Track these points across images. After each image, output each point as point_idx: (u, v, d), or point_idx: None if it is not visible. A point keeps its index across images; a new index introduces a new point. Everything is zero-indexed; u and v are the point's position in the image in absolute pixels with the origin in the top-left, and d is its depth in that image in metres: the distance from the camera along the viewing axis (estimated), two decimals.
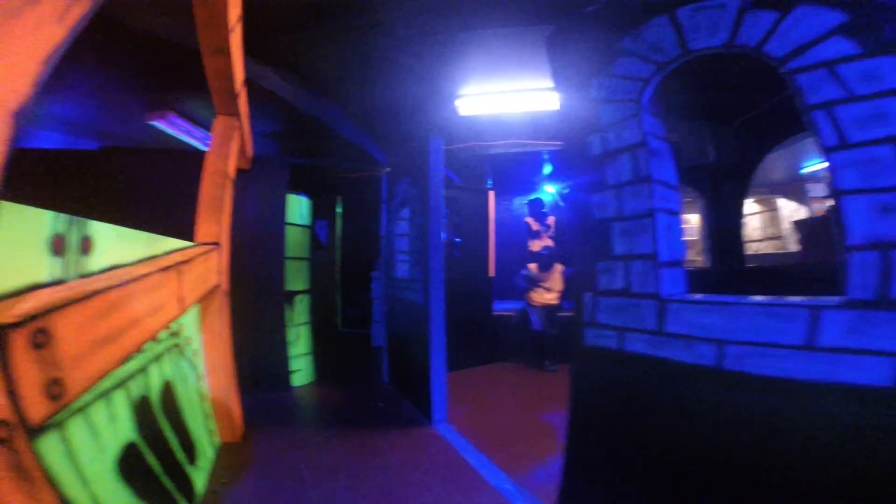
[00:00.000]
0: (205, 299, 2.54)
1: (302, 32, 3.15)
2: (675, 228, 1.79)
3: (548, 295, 5.45)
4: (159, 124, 4.18)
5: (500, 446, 3.10)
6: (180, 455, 1.99)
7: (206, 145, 4.79)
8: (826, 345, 1.26)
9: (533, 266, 5.58)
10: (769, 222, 9.13)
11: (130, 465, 1.43)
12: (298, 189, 4.61)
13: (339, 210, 7.96)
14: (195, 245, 2.30)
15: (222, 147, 2.69)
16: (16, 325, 0.71)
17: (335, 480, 2.51)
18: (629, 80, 1.82)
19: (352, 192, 7.75)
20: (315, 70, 3.72)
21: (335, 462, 2.75)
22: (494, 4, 2.92)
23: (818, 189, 8.16)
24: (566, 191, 7.68)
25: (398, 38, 3.26)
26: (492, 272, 5.89)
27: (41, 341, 0.78)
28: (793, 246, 7.83)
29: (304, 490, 2.40)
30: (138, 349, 1.28)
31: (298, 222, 4.58)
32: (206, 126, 4.46)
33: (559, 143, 5.48)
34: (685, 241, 1.87)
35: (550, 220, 6.72)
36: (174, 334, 2.15)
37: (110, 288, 1.10)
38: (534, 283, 5.50)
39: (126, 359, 1.19)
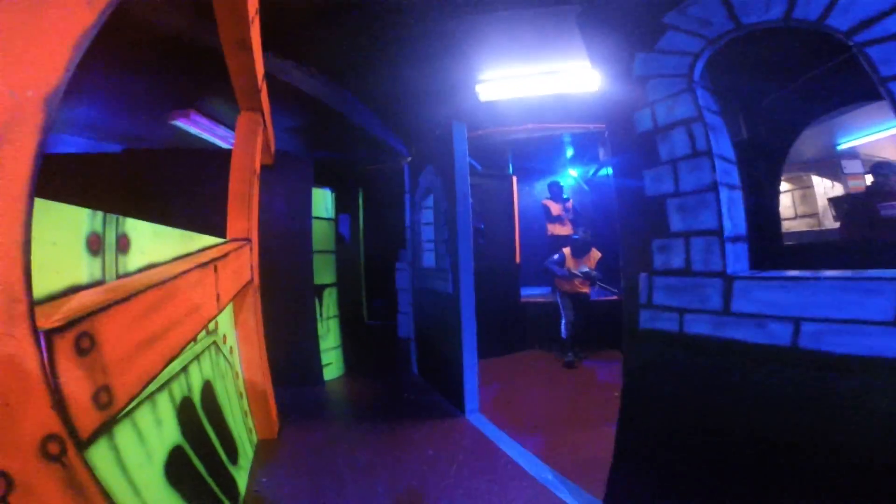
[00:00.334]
0: (238, 296, 2.52)
1: (319, 23, 3.07)
2: (738, 203, 1.70)
3: (579, 283, 4.96)
4: (182, 124, 4.17)
5: (535, 435, 3.03)
6: (223, 455, 1.97)
7: (229, 143, 4.82)
8: None
9: (566, 251, 5.04)
10: (801, 200, 8.78)
11: (177, 469, 1.40)
12: (322, 182, 4.58)
13: (361, 202, 7.94)
14: (228, 241, 2.27)
15: (247, 143, 2.65)
16: (59, 330, 0.66)
17: (373, 476, 2.49)
18: (677, 55, 1.77)
19: (373, 184, 7.71)
20: (334, 62, 3.65)
21: (371, 457, 2.73)
22: None
23: (854, 165, 7.78)
24: (591, 173, 7.47)
25: (417, 23, 3.15)
26: (518, 259, 5.77)
27: (86, 346, 0.73)
28: (829, 223, 7.51)
29: (343, 487, 2.38)
30: (183, 348, 1.24)
31: (324, 216, 4.55)
32: (228, 124, 4.45)
33: (584, 124, 5.31)
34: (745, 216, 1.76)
35: (569, 203, 6.58)
36: (211, 332, 2.13)
37: (151, 287, 1.04)
38: (564, 270, 4.97)
39: (170, 360, 1.14)
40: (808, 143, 6.99)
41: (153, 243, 1.31)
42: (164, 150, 3.79)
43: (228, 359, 2.46)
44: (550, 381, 4.39)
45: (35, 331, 0.60)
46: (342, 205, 6.73)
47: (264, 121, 2.83)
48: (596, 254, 5.07)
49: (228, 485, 1.94)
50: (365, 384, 4.39)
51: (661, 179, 1.79)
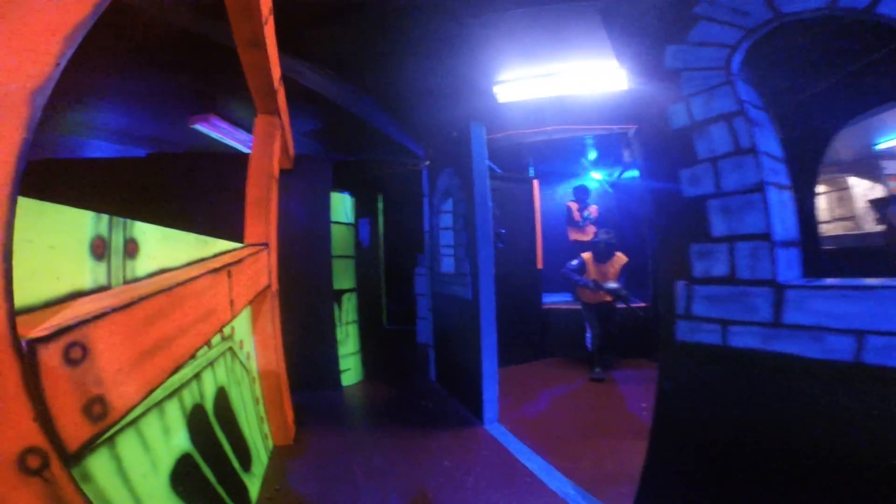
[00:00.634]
0: (256, 301, 2.50)
1: (335, 23, 3.07)
2: (788, 204, 1.56)
3: (603, 293, 4.42)
4: (202, 128, 4.25)
5: (556, 447, 2.92)
6: (235, 462, 1.94)
7: (249, 147, 4.88)
8: None
9: (587, 256, 4.54)
10: (838, 202, 8.37)
11: (184, 478, 1.37)
12: (341, 187, 4.58)
13: (380, 206, 7.95)
14: (245, 246, 2.26)
15: (265, 146, 2.65)
16: (44, 340, 0.62)
17: (388, 485, 2.43)
18: (712, 47, 1.67)
19: (392, 187, 7.71)
20: (350, 63, 3.64)
21: (387, 466, 2.67)
22: None
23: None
24: (616, 176, 7.28)
25: (432, 23, 3.11)
26: (540, 264, 5.64)
27: (76, 357, 0.69)
28: (869, 226, 7.11)
29: (357, 496, 2.33)
30: (190, 357, 1.20)
31: (343, 220, 4.55)
32: (247, 128, 4.50)
33: (608, 125, 5.17)
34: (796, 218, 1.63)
35: (593, 208, 6.32)
36: (227, 338, 2.11)
37: (158, 293, 1.01)
38: (585, 279, 4.47)
39: (177, 368, 1.11)
40: (844, 143, 6.66)
41: (164, 248, 1.28)
42: (186, 154, 3.85)
43: (245, 364, 2.44)
44: (573, 390, 4.25)
45: (15, 340, 0.56)
46: (362, 209, 6.75)
47: (282, 124, 2.83)
48: (621, 258, 4.52)
49: (240, 492, 1.91)
50: (383, 390, 4.35)
51: (700, 179, 1.68)
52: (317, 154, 5.47)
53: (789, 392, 1.38)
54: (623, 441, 3.02)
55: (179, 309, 1.13)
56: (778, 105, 3.28)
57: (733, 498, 1.54)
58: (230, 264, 1.61)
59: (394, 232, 7.93)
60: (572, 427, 3.32)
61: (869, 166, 7.74)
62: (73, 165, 3.59)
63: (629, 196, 6.95)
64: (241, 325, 2.44)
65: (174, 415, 1.39)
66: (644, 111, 1.92)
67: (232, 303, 1.63)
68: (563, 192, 7.43)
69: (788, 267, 1.48)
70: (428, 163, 4.85)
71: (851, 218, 8.07)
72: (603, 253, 4.45)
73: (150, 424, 1.23)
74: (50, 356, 0.63)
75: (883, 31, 1.65)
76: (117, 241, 1.02)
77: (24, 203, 0.74)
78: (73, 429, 0.67)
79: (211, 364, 1.84)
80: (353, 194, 4.87)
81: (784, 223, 1.51)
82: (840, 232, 8.03)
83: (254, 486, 2.16)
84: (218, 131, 4.37)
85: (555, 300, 5.99)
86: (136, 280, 1.10)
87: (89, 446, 0.72)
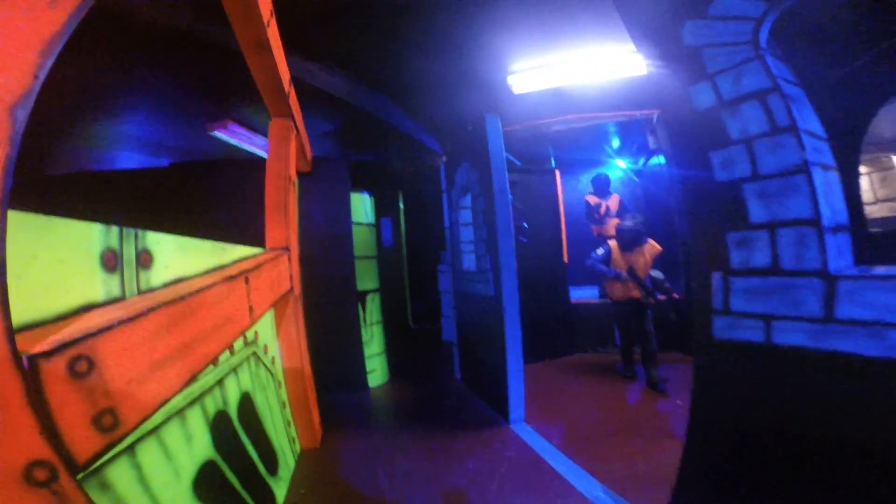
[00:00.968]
0: (278, 305, 2.53)
1: (343, 22, 3.05)
2: (835, 185, 1.43)
3: (633, 285, 3.92)
4: (221, 134, 4.34)
5: (584, 447, 2.84)
6: (260, 467, 1.96)
7: (266, 152, 4.97)
8: None
9: (612, 244, 4.06)
10: (881, 183, 7.87)
11: (208, 484, 1.38)
12: (360, 187, 4.59)
13: (401, 206, 7.96)
14: (264, 251, 2.28)
15: (280, 150, 2.67)
16: (47, 355, 0.61)
17: (412, 489, 2.42)
18: (735, 21, 1.57)
19: (412, 185, 7.70)
20: (361, 61, 3.64)
21: (411, 468, 2.66)
22: None
23: None
24: (641, 163, 7.06)
25: (441, 15, 3.06)
26: (565, 257, 5.52)
27: (82, 370, 0.68)
28: None
29: (382, 499, 2.32)
30: (207, 365, 1.20)
31: (364, 221, 4.56)
32: (264, 132, 4.57)
33: (629, 112, 5.01)
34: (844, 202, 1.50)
35: (613, 199, 5.88)
36: (250, 343, 2.14)
37: (169, 303, 1.01)
38: (609, 269, 3.98)
39: (194, 377, 1.11)
40: (887, 121, 6.22)
41: (179, 257, 1.29)
42: (207, 162, 3.93)
43: (270, 369, 2.47)
44: (602, 387, 4.13)
45: (16, 356, 0.56)
46: (383, 209, 6.77)
47: (296, 126, 2.84)
48: (653, 247, 3.96)
49: (266, 496, 1.93)
50: (408, 390, 4.35)
51: (734, 162, 1.56)
52: (334, 155, 5.51)
53: (843, 393, 1.26)
54: (656, 441, 2.91)
55: (194, 318, 1.13)
56: (812, 82, 3.09)
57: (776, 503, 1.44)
58: (247, 271, 1.61)
59: (416, 230, 7.92)
60: (601, 426, 3.23)
61: None
62: (104, 177, 3.73)
63: (656, 184, 6.72)
64: (265, 330, 2.47)
65: (196, 422, 1.41)
66: (666, 93, 1.80)
67: (251, 309, 1.64)
68: (587, 182, 7.26)
69: (839, 255, 1.35)
70: (445, 158, 4.81)
71: None
72: (630, 240, 3.94)
73: (172, 432, 1.24)
74: (54, 370, 0.62)
75: None
76: (129, 253, 1.03)
77: (30, 219, 0.75)
78: (82, 441, 0.67)
79: (234, 370, 1.86)
80: (372, 194, 4.88)
81: (832, 206, 1.39)
82: (887, 213, 7.55)
83: (280, 489, 2.18)
84: (237, 137, 4.46)
85: (582, 295, 5.86)
86: (151, 290, 1.11)
87: (100, 457, 0.72)
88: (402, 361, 5.17)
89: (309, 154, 3.48)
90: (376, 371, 4.49)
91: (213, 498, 1.40)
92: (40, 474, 0.58)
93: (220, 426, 1.62)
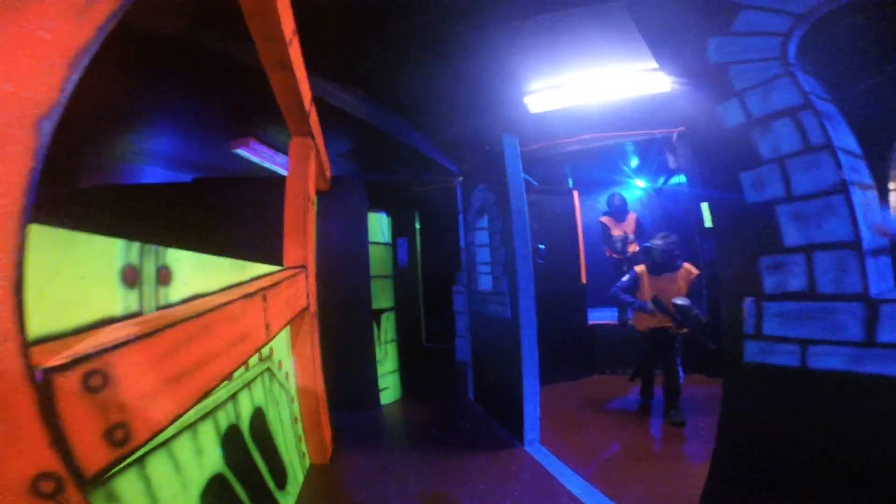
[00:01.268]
0: (294, 322, 2.54)
1: (362, 43, 3.14)
2: (874, 206, 1.39)
3: (660, 316, 3.42)
4: (243, 152, 4.46)
5: (602, 470, 2.77)
6: (270, 482, 1.95)
7: (287, 170, 5.09)
8: None
9: (640, 269, 3.61)
10: None
11: (216, 498, 1.37)
12: (377, 207, 4.65)
13: (417, 226, 8.01)
14: (282, 269, 2.31)
15: (300, 168, 2.73)
16: (61, 369, 0.63)
17: None
18: (761, 36, 1.56)
19: (428, 206, 7.75)
20: (379, 82, 3.72)
21: (422, 489, 2.61)
22: None
23: None
24: (661, 183, 6.98)
25: (459, 37, 3.12)
26: (584, 279, 5.44)
27: (97, 384, 0.69)
28: None
29: None
30: (221, 381, 1.21)
31: (380, 240, 4.61)
32: (285, 150, 4.69)
33: (648, 131, 4.98)
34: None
35: (630, 220, 5.63)
36: (265, 358, 2.15)
37: (186, 319, 1.02)
38: (638, 298, 3.52)
39: (208, 392, 1.12)
40: None
41: (198, 274, 1.32)
42: (230, 179, 4.04)
43: (284, 384, 2.48)
44: (620, 409, 4.01)
45: (29, 369, 0.57)
46: (399, 229, 6.82)
47: (316, 145, 2.90)
48: (689, 271, 3.47)
49: None
50: (421, 409, 4.30)
51: (766, 182, 1.53)
52: (352, 175, 5.61)
53: (885, 416, 1.20)
54: (677, 464, 2.83)
55: (210, 334, 1.14)
56: (842, 92, 3.03)
57: None
58: (265, 288, 1.63)
59: (431, 250, 7.93)
60: (620, 449, 3.14)
61: None
62: (125, 191, 3.87)
63: (676, 203, 6.62)
64: (280, 346, 2.49)
65: (208, 436, 1.41)
66: (691, 111, 1.79)
67: (267, 326, 1.65)
68: (605, 203, 7.19)
69: (880, 278, 1.31)
70: (462, 179, 4.85)
71: None
72: (661, 263, 3.45)
73: (183, 445, 1.25)
74: (68, 384, 0.63)
75: None
76: (149, 269, 1.05)
77: (54, 233, 0.77)
78: (92, 454, 0.68)
79: (248, 385, 1.87)
80: (389, 214, 4.93)
81: (871, 228, 1.35)
82: None
83: (287, 503, 2.15)
84: (258, 155, 4.58)
85: (601, 316, 5.74)
86: (170, 306, 1.13)
87: (109, 470, 0.72)
88: (415, 380, 5.13)
89: (328, 172, 3.55)
90: (389, 389, 4.46)
91: None
92: (46, 486, 0.59)
93: (231, 440, 1.62)
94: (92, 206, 3.45)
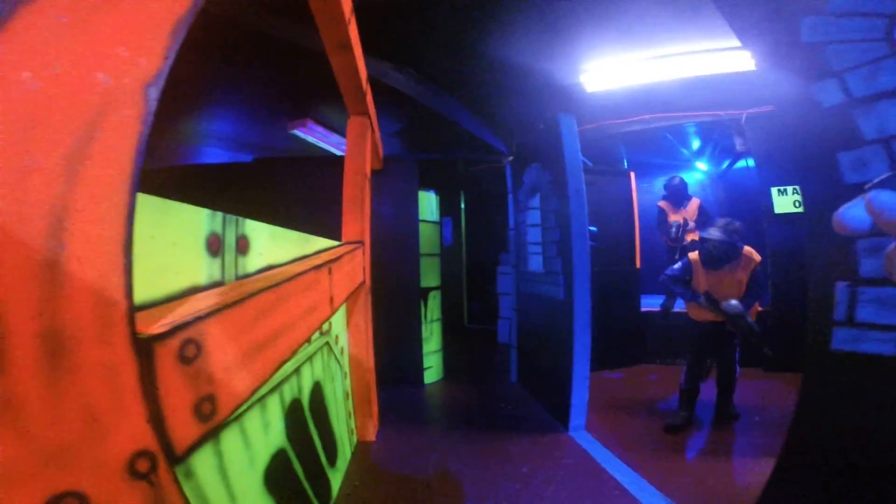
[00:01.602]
0: (351, 297, 2.56)
1: (412, 19, 3.04)
2: None
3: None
4: (300, 132, 4.51)
5: (649, 460, 2.69)
6: (322, 457, 1.98)
7: (341, 150, 5.12)
8: None
9: (694, 257, 3.19)
10: None
11: (277, 474, 1.39)
12: (425, 186, 4.60)
13: (462, 205, 7.94)
14: (343, 244, 2.31)
15: (358, 146, 2.71)
16: (161, 337, 0.60)
17: (463, 489, 2.38)
18: (862, 17, 1.51)
19: (474, 186, 7.65)
20: (429, 60, 3.62)
21: (462, 467, 2.62)
22: None
23: None
24: (725, 167, 6.51)
25: (514, 12, 2.95)
26: (638, 263, 5.20)
27: (191, 354, 0.67)
28: None
29: (432, 497, 2.30)
30: (293, 353, 1.20)
31: (429, 219, 4.57)
32: (339, 131, 4.70)
33: (714, 112, 4.61)
34: None
35: (692, 205, 5.15)
36: (324, 333, 2.17)
37: (267, 289, 1.01)
38: (689, 289, 3.17)
39: (281, 364, 1.11)
40: None
41: (271, 245, 1.31)
42: (287, 159, 4.11)
43: (339, 359, 2.51)
44: (670, 399, 3.83)
45: (134, 338, 0.54)
46: (445, 208, 6.79)
47: (372, 124, 2.87)
48: (750, 258, 3.03)
49: (323, 487, 1.94)
50: (463, 389, 4.31)
51: (868, 163, 1.44)
52: (401, 154, 5.58)
53: None
54: (729, 458, 2.73)
55: (285, 305, 1.13)
56: None
57: None
58: (330, 261, 1.62)
59: (476, 230, 7.88)
60: (668, 440, 3.02)
61: None
62: (189, 171, 4.02)
63: (741, 188, 6.16)
64: (337, 321, 2.51)
65: (274, 410, 1.42)
66: (780, 90, 1.70)
67: (332, 299, 1.64)
68: (661, 186, 6.81)
69: None
70: (511, 158, 4.69)
71: None
72: (718, 257, 3.02)
73: (253, 420, 1.26)
74: (166, 354, 0.61)
75: None
76: (230, 238, 1.04)
77: (148, 201, 0.75)
78: (183, 429, 0.65)
79: (310, 359, 1.89)
80: (437, 193, 4.88)
81: None
82: None
83: (336, 480, 2.20)
84: (314, 135, 4.62)
85: (655, 303, 5.49)
86: (248, 276, 1.12)
87: (197, 447, 0.70)
88: (457, 360, 5.14)
89: (381, 152, 3.52)
90: (433, 368, 4.48)
91: (279, 488, 1.40)
92: (142, 465, 0.56)
93: (293, 414, 1.64)
94: (161, 188, 3.60)
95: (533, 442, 2.98)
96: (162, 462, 0.58)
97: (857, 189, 1.38)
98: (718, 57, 3.42)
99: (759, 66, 1.82)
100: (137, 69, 0.54)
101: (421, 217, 4.32)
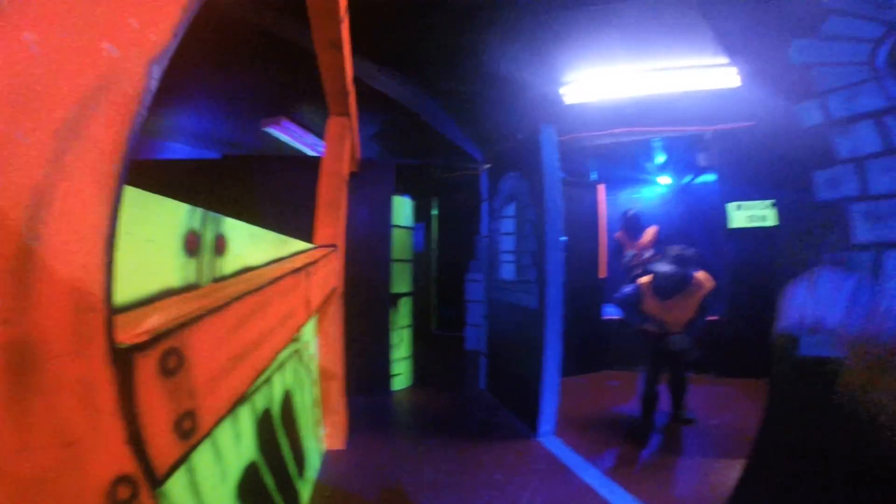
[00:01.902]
0: (324, 303, 2.46)
1: (400, 23, 3.02)
2: None
3: (672, 319, 3.04)
4: (273, 131, 4.35)
5: (617, 463, 2.78)
6: (292, 468, 1.88)
7: (315, 150, 4.97)
8: None
9: (644, 283, 3.09)
10: None
11: (249, 487, 1.29)
12: (399, 191, 4.54)
13: (433, 212, 7.91)
14: (318, 247, 2.22)
15: (336, 148, 2.63)
16: (142, 347, 0.53)
17: (438, 497, 2.35)
18: (849, 41, 1.60)
19: (447, 193, 7.65)
20: (414, 64, 3.59)
21: (436, 476, 2.59)
22: None
23: None
24: (687, 181, 6.81)
25: (499, 23, 2.99)
26: (603, 273, 5.33)
27: (173, 365, 0.60)
28: None
29: None
30: (272, 361, 1.12)
31: (403, 224, 4.50)
32: (314, 130, 4.57)
33: (683, 127, 4.82)
34: None
35: (648, 234, 5.15)
36: (295, 339, 2.07)
37: (247, 293, 0.93)
38: (638, 313, 3.17)
39: (260, 374, 1.03)
40: None
41: (249, 246, 1.22)
42: (258, 157, 3.95)
43: (308, 366, 2.40)
44: (633, 404, 3.93)
45: (113, 348, 0.47)
46: (417, 214, 6.74)
47: (351, 126, 2.80)
48: (704, 285, 2.99)
49: (293, 498, 1.84)
50: (432, 397, 4.27)
51: (840, 181, 1.51)
52: (380, 158, 5.49)
53: None
54: (693, 460, 2.83)
55: (266, 310, 1.05)
56: None
57: None
58: (308, 265, 1.54)
59: (447, 237, 7.86)
60: (633, 444, 3.11)
61: None
62: (154, 166, 3.78)
63: (700, 202, 6.46)
64: (308, 327, 2.40)
65: (246, 421, 1.33)
66: (764, 108, 1.79)
67: (308, 304, 1.56)
68: (627, 199, 7.04)
69: None
70: (488, 166, 4.71)
71: None
72: (668, 287, 2.94)
73: (225, 432, 1.16)
74: (146, 366, 0.54)
75: None
76: (208, 237, 0.96)
77: (129, 191, 0.67)
78: (164, 449, 0.58)
79: (281, 367, 1.79)
80: (411, 198, 4.82)
81: None
82: None
83: (305, 491, 2.09)
84: (288, 134, 4.47)
85: (617, 312, 5.64)
86: (224, 278, 1.03)
87: (177, 468, 0.63)
88: (424, 367, 5.08)
89: (358, 154, 3.44)
90: (401, 375, 4.41)
91: (251, 502, 1.31)
92: (124, 492, 0.49)
93: (264, 425, 1.54)
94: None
95: (505, 448, 3.00)
96: (143, 486, 0.51)
97: (830, 205, 1.45)
98: (694, 74, 3.56)
99: (745, 83, 1.92)
100: (145, 43, 0.48)
101: (395, 222, 4.25)
